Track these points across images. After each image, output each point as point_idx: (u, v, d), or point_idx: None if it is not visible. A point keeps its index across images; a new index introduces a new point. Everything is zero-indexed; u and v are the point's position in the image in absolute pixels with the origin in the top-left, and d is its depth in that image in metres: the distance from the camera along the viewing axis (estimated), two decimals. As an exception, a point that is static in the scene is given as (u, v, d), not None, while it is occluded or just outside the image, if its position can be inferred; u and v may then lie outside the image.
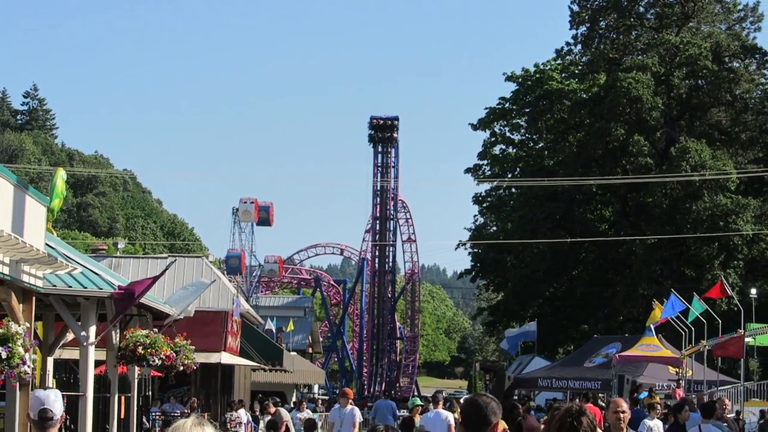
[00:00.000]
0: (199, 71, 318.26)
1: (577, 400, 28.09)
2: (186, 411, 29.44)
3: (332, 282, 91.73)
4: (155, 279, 15.93)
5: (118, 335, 17.71)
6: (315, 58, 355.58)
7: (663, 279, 55.14)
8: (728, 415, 23.24)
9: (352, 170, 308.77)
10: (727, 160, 56.06)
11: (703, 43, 59.26)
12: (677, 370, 32.81)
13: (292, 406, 35.45)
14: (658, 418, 16.97)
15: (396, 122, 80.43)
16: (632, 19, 64.48)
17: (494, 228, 72.91)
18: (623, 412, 9.47)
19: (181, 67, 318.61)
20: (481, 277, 73.37)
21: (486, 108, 70.48)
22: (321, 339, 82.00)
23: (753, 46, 62.72)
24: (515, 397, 42.60)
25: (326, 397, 63.97)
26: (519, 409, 18.52)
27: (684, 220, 55.11)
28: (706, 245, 55.14)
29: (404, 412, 28.21)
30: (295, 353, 50.66)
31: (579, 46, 66.60)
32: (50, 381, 17.62)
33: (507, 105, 69.94)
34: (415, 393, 73.25)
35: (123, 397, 19.89)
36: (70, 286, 15.27)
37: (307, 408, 33.37)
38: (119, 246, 50.82)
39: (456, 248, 72.84)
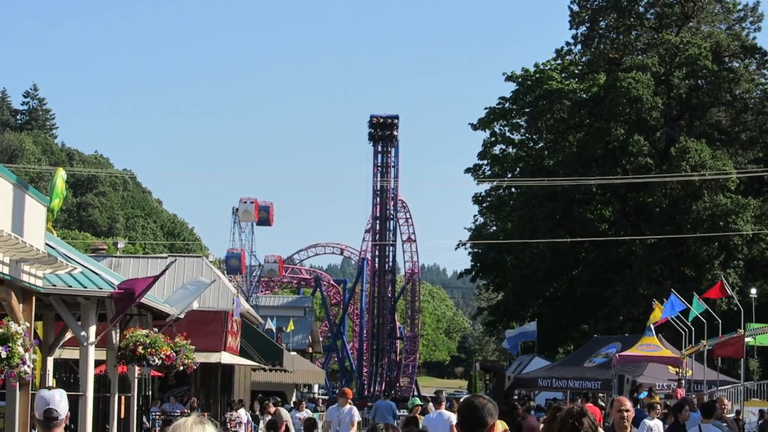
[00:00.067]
0: (199, 71, 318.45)
1: (579, 400, 28.12)
2: (186, 411, 29.45)
3: (332, 282, 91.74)
4: (155, 279, 15.92)
5: (118, 335, 17.70)
6: (315, 58, 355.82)
7: (663, 279, 55.14)
8: (728, 415, 23.27)
9: (352, 170, 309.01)
10: (727, 160, 56.06)
11: (703, 43, 59.26)
12: (677, 370, 32.80)
13: (292, 405, 35.43)
14: (658, 417, 16.96)
15: (396, 121, 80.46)
16: (632, 19, 64.47)
17: (494, 228, 72.91)
18: (627, 410, 9.47)
19: (181, 67, 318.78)
20: (481, 277, 73.37)
21: (486, 108, 70.56)
22: (321, 339, 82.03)
23: (753, 46, 62.72)
24: (515, 397, 42.66)
25: (326, 397, 63.96)
26: (519, 410, 18.55)
27: (684, 220, 55.11)
28: (706, 245, 55.14)
29: (404, 412, 28.18)
30: (295, 353, 50.67)
31: (579, 46, 66.62)
32: (50, 381, 17.62)
33: (507, 105, 69.94)
34: (415, 393, 73.32)
35: (123, 397, 19.89)
36: (70, 286, 15.27)
37: (307, 408, 33.40)
38: (119, 246, 50.86)
39: (456, 248, 72.94)
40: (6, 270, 12.10)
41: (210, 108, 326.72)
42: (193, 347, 18.52)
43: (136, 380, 20.01)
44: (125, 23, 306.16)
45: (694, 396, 26.75)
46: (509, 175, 70.70)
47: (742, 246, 55.27)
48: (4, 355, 11.53)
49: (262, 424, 27.57)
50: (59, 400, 6.64)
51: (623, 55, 63.62)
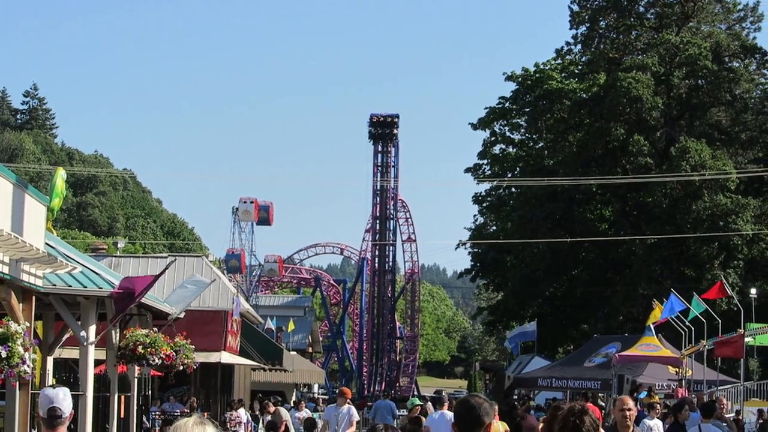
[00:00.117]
0: (199, 71, 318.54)
1: (579, 400, 28.13)
2: (186, 410, 29.46)
3: (332, 281, 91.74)
4: (155, 278, 15.93)
5: (117, 334, 17.71)
6: (315, 58, 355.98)
7: (663, 279, 55.13)
8: (728, 415, 23.27)
9: (352, 170, 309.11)
10: (726, 159, 56.05)
11: (703, 42, 59.25)
12: (677, 370, 32.80)
13: (291, 405, 35.44)
14: (657, 417, 16.97)
15: (396, 119, 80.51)
16: (632, 19, 64.45)
17: (494, 228, 72.89)
18: (629, 409, 9.47)
19: (181, 67, 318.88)
20: (481, 276, 73.36)
21: (486, 108, 70.53)
22: (321, 338, 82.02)
23: (753, 45, 62.69)
24: (515, 397, 42.67)
25: (326, 397, 63.96)
26: (518, 409, 18.55)
27: (684, 219, 55.10)
28: (705, 245, 55.13)
29: (403, 412, 28.17)
30: (294, 353, 50.67)
31: (579, 46, 66.60)
32: (50, 380, 17.62)
33: (507, 105, 69.92)
34: (415, 393, 73.33)
35: (123, 397, 19.89)
36: (70, 286, 15.28)
37: (307, 407, 33.40)
38: (119, 245, 50.80)
39: (456, 248, 72.91)
40: (6, 269, 12.10)
41: (210, 108, 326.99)
42: (193, 347, 18.53)
43: (135, 380, 20.02)
44: (125, 23, 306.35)
45: (693, 396, 26.76)
46: (509, 175, 70.69)
47: (742, 246, 55.26)
48: (3, 354, 11.53)
49: (261, 424, 27.58)
50: (63, 399, 6.65)
51: (623, 55, 63.61)
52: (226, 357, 31.59)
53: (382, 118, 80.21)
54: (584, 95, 64.53)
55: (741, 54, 62.13)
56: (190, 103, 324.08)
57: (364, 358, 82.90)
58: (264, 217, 72.56)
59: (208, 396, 34.26)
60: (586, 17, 64.30)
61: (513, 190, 69.92)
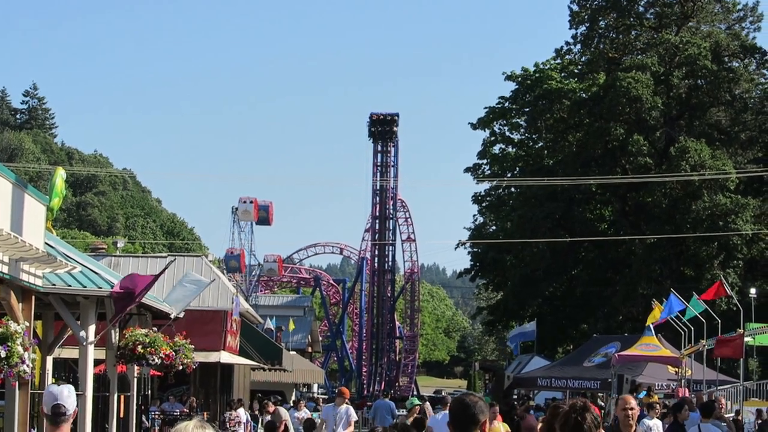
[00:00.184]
0: (199, 71, 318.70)
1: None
2: (185, 410, 29.48)
3: (332, 281, 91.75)
4: (155, 278, 15.92)
5: (117, 334, 17.71)
6: (315, 58, 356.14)
7: (662, 278, 55.12)
8: (727, 415, 23.27)
9: (352, 170, 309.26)
10: (726, 159, 56.04)
11: (703, 42, 59.24)
12: (676, 369, 32.78)
13: (291, 405, 35.45)
14: (657, 417, 16.97)
15: (396, 118, 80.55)
16: (632, 19, 64.44)
17: (494, 227, 72.87)
18: (632, 408, 9.48)
19: (181, 67, 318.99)
20: (481, 276, 73.34)
21: (485, 107, 70.50)
22: (320, 338, 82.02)
23: (752, 45, 62.68)
24: (514, 397, 42.66)
25: (326, 396, 63.98)
26: (517, 409, 18.56)
27: (683, 219, 55.09)
28: (705, 245, 55.12)
29: (403, 412, 28.16)
30: (294, 352, 50.69)
31: (578, 46, 66.58)
32: (49, 380, 17.62)
33: (506, 104, 69.92)
34: (415, 392, 73.34)
35: (122, 396, 19.89)
36: (70, 285, 15.28)
37: (306, 407, 33.38)
38: (119, 245, 50.78)
39: (456, 248, 72.87)
40: (5, 269, 12.10)
41: (210, 108, 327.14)
42: (193, 347, 18.53)
43: (135, 379, 20.02)
44: (125, 23, 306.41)
45: (693, 396, 26.76)
46: (509, 175, 70.67)
47: (742, 246, 55.25)
48: (3, 354, 11.53)
49: (261, 424, 27.59)
50: (67, 396, 6.69)
51: (623, 55, 63.60)
52: (225, 357, 31.60)
53: (382, 117, 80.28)
54: (584, 95, 64.52)
55: (740, 54, 62.12)
56: (190, 103, 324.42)
57: (364, 357, 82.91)
58: (263, 216, 72.54)
59: (208, 396, 34.27)
60: (586, 17, 64.30)
61: (513, 189, 69.90)
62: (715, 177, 53.90)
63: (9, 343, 11.59)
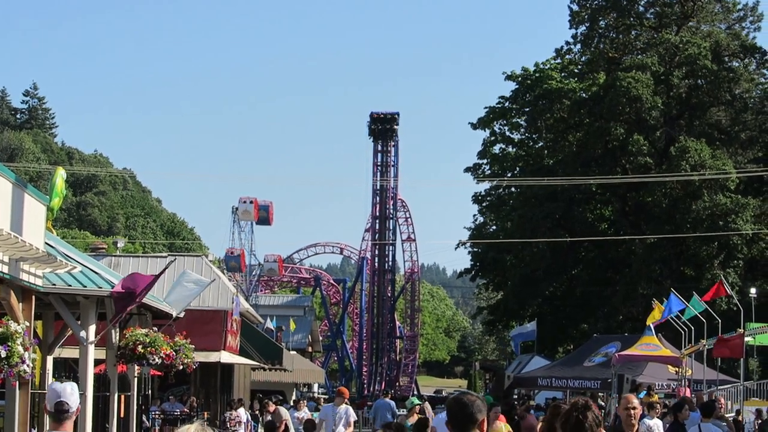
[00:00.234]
0: (199, 71, 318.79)
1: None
2: (185, 410, 29.48)
3: (332, 281, 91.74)
4: (155, 278, 15.92)
5: (117, 334, 17.71)
6: (315, 58, 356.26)
7: (662, 278, 55.12)
8: (728, 415, 23.27)
9: (352, 170, 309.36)
10: (726, 159, 56.04)
11: (703, 42, 59.24)
12: (677, 369, 32.78)
13: (291, 405, 35.47)
14: (657, 417, 16.96)
15: (396, 117, 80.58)
16: (632, 19, 64.45)
17: (494, 227, 72.87)
18: (634, 408, 9.48)
19: (181, 67, 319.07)
20: (481, 276, 73.35)
21: (486, 107, 70.51)
22: (321, 338, 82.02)
23: (752, 45, 62.67)
24: (515, 397, 42.66)
25: (326, 396, 64.00)
26: (517, 409, 18.55)
27: (683, 219, 55.09)
28: (705, 245, 55.12)
29: (402, 412, 28.15)
30: (294, 352, 50.68)
31: (578, 46, 66.59)
32: (50, 380, 17.62)
33: (507, 104, 69.92)
34: (415, 392, 73.34)
35: (123, 396, 19.90)
36: (70, 285, 15.28)
37: (307, 407, 33.37)
38: (119, 245, 50.76)
39: (456, 248, 72.87)
40: (5, 269, 12.10)
41: (210, 108, 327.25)
42: (193, 346, 18.53)
43: (135, 379, 20.02)
44: (125, 23, 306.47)
45: (693, 395, 26.75)
46: (509, 175, 70.67)
47: (742, 245, 55.25)
48: (3, 354, 11.52)
49: (261, 424, 27.58)
50: (70, 393, 6.72)
51: (623, 55, 63.60)
52: (225, 356, 31.60)
53: (382, 115, 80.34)
54: (584, 95, 64.53)
55: (741, 54, 62.12)
56: (190, 103, 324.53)
57: (364, 357, 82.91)
58: (264, 216, 72.51)
59: (208, 395, 34.27)
60: (586, 17, 64.30)
61: (513, 189, 69.91)
62: (715, 177, 53.90)
63: (9, 343, 11.58)
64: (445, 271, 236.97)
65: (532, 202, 63.24)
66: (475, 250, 71.14)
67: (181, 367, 18.17)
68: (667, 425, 16.33)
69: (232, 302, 32.23)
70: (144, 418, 26.55)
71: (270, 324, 52.63)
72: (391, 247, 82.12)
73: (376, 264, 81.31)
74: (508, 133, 71.90)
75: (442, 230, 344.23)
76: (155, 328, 18.22)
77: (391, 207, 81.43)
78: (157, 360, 17.33)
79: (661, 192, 56.38)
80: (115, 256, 37.01)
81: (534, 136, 71.28)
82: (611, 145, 60.52)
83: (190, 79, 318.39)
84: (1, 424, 14.67)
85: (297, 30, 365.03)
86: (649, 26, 64.69)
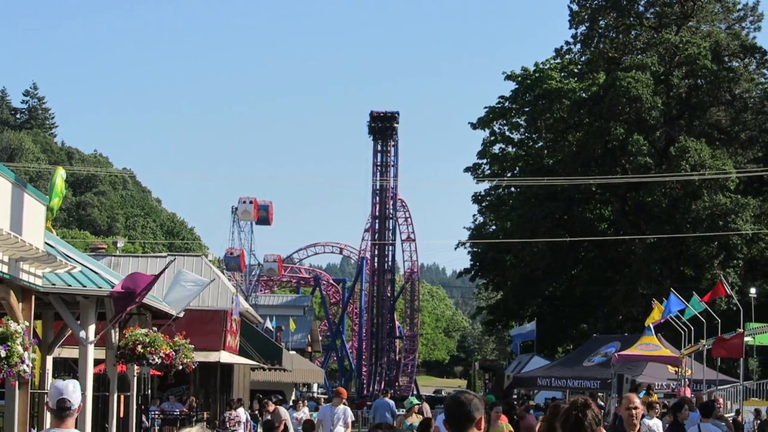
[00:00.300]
0: (199, 71, 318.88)
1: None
2: (185, 410, 29.48)
3: (331, 281, 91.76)
4: (155, 278, 15.92)
5: (117, 334, 17.70)
6: (315, 58, 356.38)
7: (662, 278, 55.11)
8: (727, 415, 23.28)
9: (352, 170, 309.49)
10: (726, 159, 56.03)
11: (703, 42, 59.22)
12: (676, 369, 32.77)
13: (291, 404, 35.48)
14: (657, 417, 16.96)
15: (396, 115, 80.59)
16: (632, 19, 64.43)
17: (493, 227, 72.85)
18: (636, 408, 9.48)
19: (181, 67, 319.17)
20: (481, 276, 73.33)
21: (485, 107, 70.50)
22: (320, 338, 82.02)
23: (752, 45, 62.66)
24: (514, 396, 42.68)
25: (326, 396, 64.03)
26: (516, 409, 18.55)
27: (683, 219, 55.09)
28: (705, 245, 55.10)
29: (402, 411, 28.16)
30: (294, 352, 50.68)
31: (578, 46, 66.56)
32: (49, 380, 17.62)
33: (506, 104, 69.91)
34: (414, 392, 73.38)
35: (122, 396, 19.90)
36: (70, 285, 15.27)
37: (307, 406, 33.37)
38: (119, 245, 50.73)
39: (456, 248, 72.87)
40: (5, 269, 12.09)
41: (210, 108, 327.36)
42: (192, 346, 18.53)
43: (135, 379, 20.02)
44: (125, 23, 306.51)
45: (692, 395, 26.76)
46: (509, 175, 70.66)
47: (742, 245, 55.23)
48: (3, 354, 11.52)
49: (261, 424, 27.58)
50: (72, 391, 6.78)
51: (623, 55, 63.58)
52: (225, 356, 31.60)
53: (382, 114, 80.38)
54: (584, 95, 64.52)
55: (740, 53, 62.10)
56: (190, 103, 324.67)
57: (364, 357, 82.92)
58: (263, 216, 72.49)
59: (208, 395, 34.27)
60: (586, 17, 64.28)
61: (512, 189, 69.89)
62: (715, 177, 53.89)
63: (9, 343, 11.58)
64: (444, 271, 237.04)
65: (531, 202, 63.24)
66: (475, 250, 71.13)
67: (180, 367, 18.17)
68: (667, 425, 16.33)
69: (232, 302, 32.22)
70: (143, 418, 26.54)
71: (269, 324, 52.62)
72: (390, 247, 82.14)
73: (376, 264, 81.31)
74: (507, 133, 71.91)
75: (441, 230, 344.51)
76: (155, 328, 18.23)
77: (391, 207, 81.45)
78: (156, 360, 17.33)
79: (660, 192, 56.38)
80: (114, 256, 37.00)
81: (534, 136, 71.28)
82: (611, 145, 60.50)
83: (190, 79, 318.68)
84: (0, 424, 14.67)
85: (297, 30, 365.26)
86: (648, 26, 64.68)
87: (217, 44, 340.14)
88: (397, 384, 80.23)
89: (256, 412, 32.53)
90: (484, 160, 72.05)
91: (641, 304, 53.28)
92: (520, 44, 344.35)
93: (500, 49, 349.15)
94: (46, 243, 13.98)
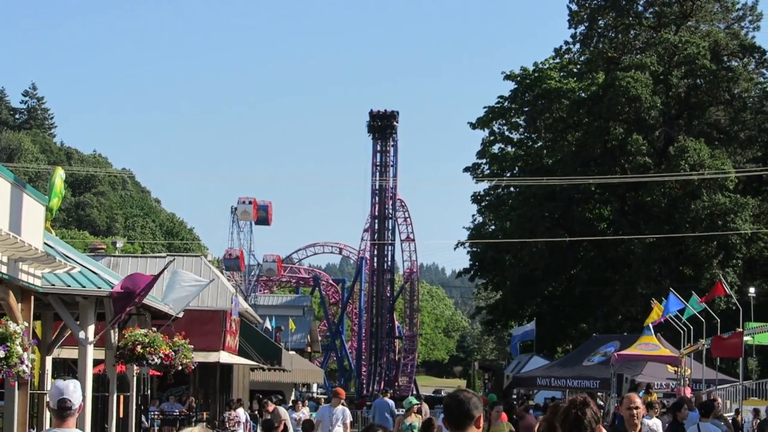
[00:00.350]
0: (199, 71, 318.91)
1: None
2: (184, 410, 29.48)
3: (331, 281, 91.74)
4: (155, 278, 15.91)
5: (116, 334, 17.70)
6: (315, 58, 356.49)
7: (662, 278, 55.12)
8: (727, 414, 23.29)
9: (351, 170, 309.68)
10: (725, 159, 56.03)
11: (702, 42, 59.24)
12: (676, 369, 32.79)
13: (290, 405, 35.48)
14: (656, 416, 16.96)
15: (396, 114, 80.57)
16: (631, 18, 64.44)
17: (493, 227, 72.83)
18: (637, 408, 9.48)
19: (181, 67, 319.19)
20: (480, 276, 73.31)
21: (485, 107, 70.49)
22: (319, 338, 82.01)
23: (752, 45, 62.68)
24: (514, 396, 42.69)
25: (326, 396, 64.02)
26: (516, 409, 18.55)
27: (683, 219, 55.09)
28: (704, 244, 55.11)
29: (401, 411, 28.18)
30: (293, 352, 50.67)
31: (578, 45, 66.58)
32: (49, 380, 17.62)
33: (506, 104, 69.91)
34: (414, 392, 73.38)
35: (122, 396, 19.89)
36: (69, 285, 15.27)
37: (308, 406, 33.38)
38: (118, 245, 50.70)
39: (455, 248, 72.86)
40: (4, 269, 12.09)
41: (210, 108, 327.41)
42: (192, 346, 18.52)
43: (134, 379, 20.01)
44: (125, 23, 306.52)
45: (691, 395, 26.76)
46: (508, 175, 70.65)
47: (741, 245, 55.24)
48: (2, 354, 11.52)
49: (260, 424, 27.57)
50: (73, 391, 6.79)
51: (622, 55, 63.59)
52: (224, 357, 31.60)
53: (381, 112, 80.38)
54: (583, 94, 64.52)
55: (740, 53, 62.12)
56: (190, 103, 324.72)
57: (363, 357, 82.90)
58: (263, 216, 72.48)
59: (207, 396, 34.26)
60: (585, 17, 64.30)
61: (512, 189, 69.88)
62: (714, 176, 53.90)
63: (8, 344, 11.58)
64: (444, 271, 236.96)
65: (531, 201, 63.24)
66: (474, 249, 71.12)
67: (180, 368, 18.16)
68: (666, 425, 16.33)
69: (231, 302, 32.21)
70: (143, 418, 26.53)
71: (269, 324, 52.61)
72: (390, 247, 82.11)
73: (375, 264, 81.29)
74: (507, 133, 71.90)
75: (441, 230, 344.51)
76: (154, 329, 18.22)
77: (390, 207, 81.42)
78: (156, 360, 17.32)
79: (660, 192, 56.38)
80: (114, 256, 36.99)
81: (533, 135, 71.28)
82: (610, 145, 60.50)
83: (190, 79, 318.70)
84: (0, 425, 14.66)
85: (297, 30, 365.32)
86: (648, 26, 64.69)
87: (217, 44, 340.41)
88: (396, 384, 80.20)
89: (256, 412, 32.52)
90: (484, 160, 72.05)
91: (640, 303, 53.28)
92: (519, 44, 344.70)
93: (500, 49, 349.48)
94: (45, 243, 13.97)
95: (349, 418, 20.31)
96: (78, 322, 15.97)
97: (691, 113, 61.09)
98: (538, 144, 70.88)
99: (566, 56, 68.61)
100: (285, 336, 60.82)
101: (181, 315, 19.14)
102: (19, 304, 12.96)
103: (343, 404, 20.50)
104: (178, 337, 18.19)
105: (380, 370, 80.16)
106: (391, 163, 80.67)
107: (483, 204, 72.38)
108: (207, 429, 4.79)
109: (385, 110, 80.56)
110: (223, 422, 26.82)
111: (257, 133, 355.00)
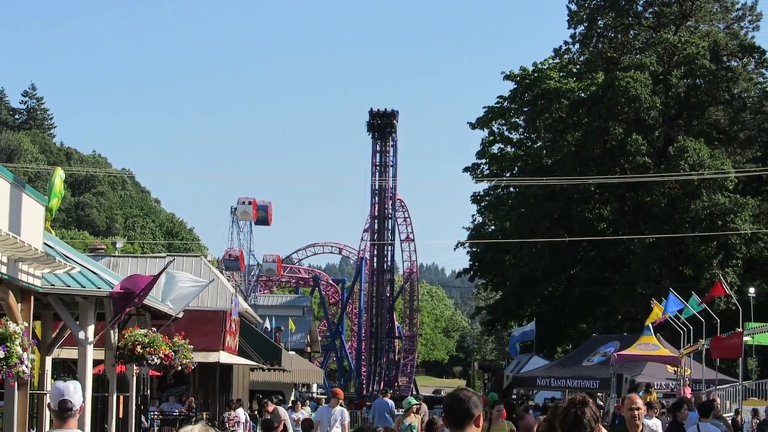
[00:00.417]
0: (199, 71, 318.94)
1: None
2: (184, 410, 29.48)
3: (331, 281, 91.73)
4: (154, 278, 15.91)
5: (116, 334, 17.70)
6: (315, 58, 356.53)
7: (661, 278, 55.12)
8: (726, 414, 23.29)
9: (351, 170, 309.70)
10: (725, 159, 56.03)
11: (701, 42, 59.24)
12: (676, 369, 32.79)
13: (290, 405, 35.47)
14: (656, 416, 16.96)
15: (396, 114, 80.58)
16: (630, 19, 64.45)
17: (493, 227, 72.84)
18: (638, 408, 9.49)
19: (181, 67, 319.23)
20: (480, 276, 73.31)
21: (484, 107, 70.51)
22: (319, 338, 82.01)
23: (751, 45, 62.68)
24: (514, 396, 42.67)
25: (326, 396, 63.98)
26: (515, 409, 18.54)
27: (682, 219, 55.09)
28: (704, 244, 55.11)
29: (400, 411, 28.19)
30: (293, 352, 50.67)
31: (577, 45, 66.56)
32: (49, 381, 17.62)
33: (505, 104, 69.92)
34: (414, 392, 73.38)
35: (121, 397, 19.89)
36: (69, 286, 15.27)
37: (308, 406, 33.37)
38: (118, 245, 50.68)
39: (455, 248, 72.91)
40: (4, 269, 12.09)
41: (210, 108, 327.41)
42: (192, 347, 18.53)
43: (134, 380, 20.01)
44: (125, 23, 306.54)
45: (691, 395, 26.75)
46: (508, 175, 70.66)
47: (741, 245, 55.24)
48: (2, 354, 11.52)
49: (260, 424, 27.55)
50: (74, 391, 6.81)
51: (621, 55, 63.59)
52: (224, 357, 31.60)
53: (381, 111, 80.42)
54: (582, 95, 64.52)
55: (739, 53, 62.12)
56: (190, 103, 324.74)
57: (363, 357, 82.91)
58: (262, 216, 72.48)
59: (207, 396, 34.26)
60: (585, 17, 64.29)
61: (511, 189, 69.89)
62: (713, 176, 53.90)
63: (8, 344, 11.58)
64: (443, 271, 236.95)
65: (530, 201, 63.24)
66: (474, 250, 71.13)
67: (179, 368, 18.17)
68: (666, 425, 16.33)
69: (231, 302, 32.21)
70: (143, 418, 26.53)
71: (269, 324, 52.60)
72: (389, 247, 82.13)
73: (375, 264, 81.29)
74: (506, 133, 71.91)
75: (441, 230, 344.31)
76: (154, 329, 18.22)
77: (390, 207, 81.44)
78: (155, 360, 17.32)
79: (659, 192, 56.38)
80: (113, 256, 36.99)
81: (533, 135, 71.28)
82: (610, 145, 60.50)
83: (190, 79, 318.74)
84: (0, 425, 14.66)
85: (297, 30, 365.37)
86: (647, 26, 64.70)
87: (217, 44, 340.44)
88: (396, 384, 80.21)
89: (256, 412, 32.51)
90: (483, 160, 72.07)
91: (640, 303, 53.27)
92: (519, 44, 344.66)
93: (499, 49, 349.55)
94: (44, 243, 13.97)
95: (347, 419, 20.33)
96: (78, 323, 15.97)
97: (690, 113, 61.09)
98: (538, 144, 70.89)
99: (566, 56, 68.61)
100: (285, 336, 60.82)
101: (180, 315, 19.14)
102: (19, 304, 12.96)
103: (341, 405, 20.52)
104: (178, 337, 18.19)
105: (380, 370, 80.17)
106: (391, 163, 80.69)
107: (483, 204, 72.39)
108: (208, 427, 4.78)
109: (385, 109, 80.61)
110: (222, 422, 26.81)
111: (257, 133, 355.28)
